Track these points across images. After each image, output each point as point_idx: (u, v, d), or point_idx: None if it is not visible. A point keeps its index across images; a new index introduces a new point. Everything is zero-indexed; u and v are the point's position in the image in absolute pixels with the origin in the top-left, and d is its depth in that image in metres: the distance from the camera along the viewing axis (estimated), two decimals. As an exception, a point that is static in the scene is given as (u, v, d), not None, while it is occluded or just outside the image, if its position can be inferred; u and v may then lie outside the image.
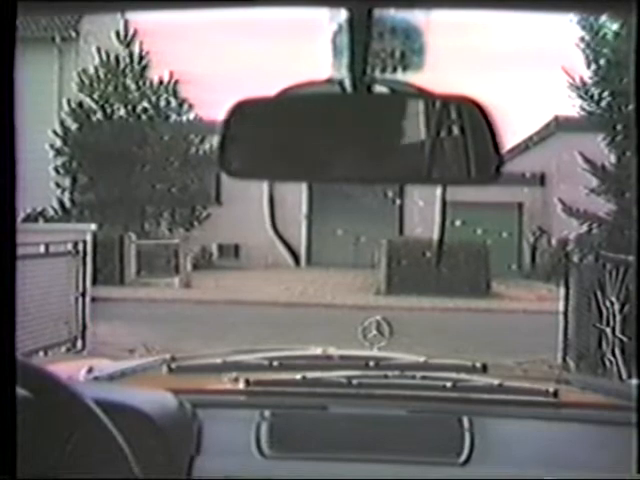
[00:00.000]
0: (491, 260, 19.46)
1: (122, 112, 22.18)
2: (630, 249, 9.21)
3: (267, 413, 2.12)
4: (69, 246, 10.30)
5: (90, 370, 2.37)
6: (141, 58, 22.41)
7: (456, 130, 1.41)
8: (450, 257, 19.27)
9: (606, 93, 19.02)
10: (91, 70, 22.14)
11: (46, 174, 20.60)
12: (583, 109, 20.24)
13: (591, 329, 9.09)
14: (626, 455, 0.47)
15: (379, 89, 1.41)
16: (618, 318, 8.45)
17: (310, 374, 2.27)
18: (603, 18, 17.87)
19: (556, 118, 23.34)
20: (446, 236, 21.35)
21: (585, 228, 20.06)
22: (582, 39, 19.67)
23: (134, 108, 22.21)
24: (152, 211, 21.97)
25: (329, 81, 1.36)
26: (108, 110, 22.15)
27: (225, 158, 1.34)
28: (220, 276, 20.14)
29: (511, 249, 23.26)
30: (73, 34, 22.53)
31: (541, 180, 23.96)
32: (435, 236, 20.82)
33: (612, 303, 8.61)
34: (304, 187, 22.28)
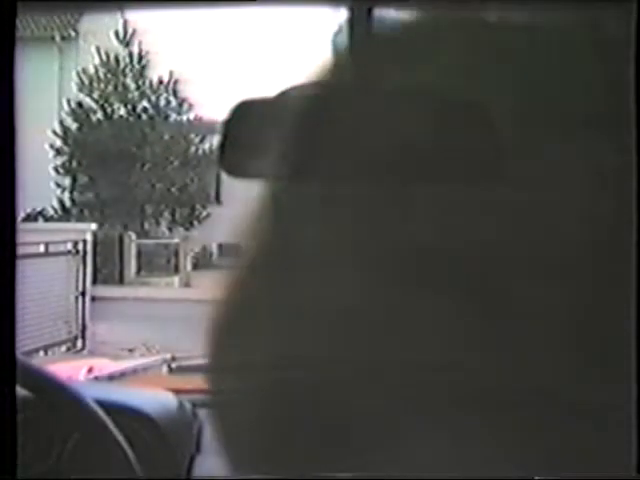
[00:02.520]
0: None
1: (122, 112, 22.19)
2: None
3: (267, 413, 2.12)
4: (69, 245, 10.30)
5: (90, 370, 2.37)
6: (141, 57, 22.41)
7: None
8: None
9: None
10: (91, 69, 22.15)
11: (46, 174, 20.61)
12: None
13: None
14: (626, 455, 0.47)
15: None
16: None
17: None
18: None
19: (556, 118, 23.35)
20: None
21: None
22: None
23: (134, 108, 22.22)
24: (152, 210, 21.98)
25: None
26: (108, 110, 22.16)
27: (225, 158, 1.34)
28: (220, 276, 20.12)
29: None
30: (73, 33, 22.53)
31: (541, 180, 23.98)
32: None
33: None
34: (304, 187, 22.22)
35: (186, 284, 19.17)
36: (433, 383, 0.48)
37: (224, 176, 1.45)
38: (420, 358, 0.48)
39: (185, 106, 22.39)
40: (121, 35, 22.25)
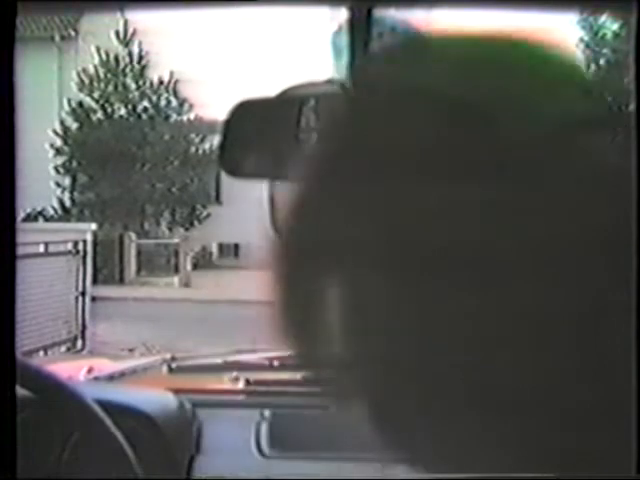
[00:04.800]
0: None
1: (122, 111, 22.19)
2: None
3: (267, 413, 2.12)
4: (69, 245, 10.30)
5: (90, 370, 2.37)
6: (141, 57, 22.42)
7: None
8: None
9: (606, 94, 19.02)
10: (91, 69, 22.14)
11: (46, 174, 20.61)
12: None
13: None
14: (626, 455, 0.47)
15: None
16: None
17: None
18: (603, 18, 17.87)
19: (556, 118, 23.34)
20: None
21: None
22: (582, 39, 19.68)
23: (134, 108, 22.22)
24: (152, 210, 21.98)
25: (329, 81, 1.36)
26: (108, 109, 22.16)
27: (225, 158, 1.34)
28: (220, 275, 20.14)
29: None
30: (73, 33, 22.53)
31: (541, 180, 23.97)
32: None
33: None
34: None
35: (186, 284, 19.17)
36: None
37: (224, 176, 1.46)
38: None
39: (185, 106, 22.39)
40: (121, 35, 22.25)
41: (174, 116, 22.48)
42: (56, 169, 21.88)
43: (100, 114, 22.09)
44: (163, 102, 22.37)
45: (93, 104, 22.09)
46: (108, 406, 1.59)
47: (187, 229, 22.06)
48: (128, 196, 21.29)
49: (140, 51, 22.37)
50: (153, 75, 22.41)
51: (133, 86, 22.32)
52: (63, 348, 9.92)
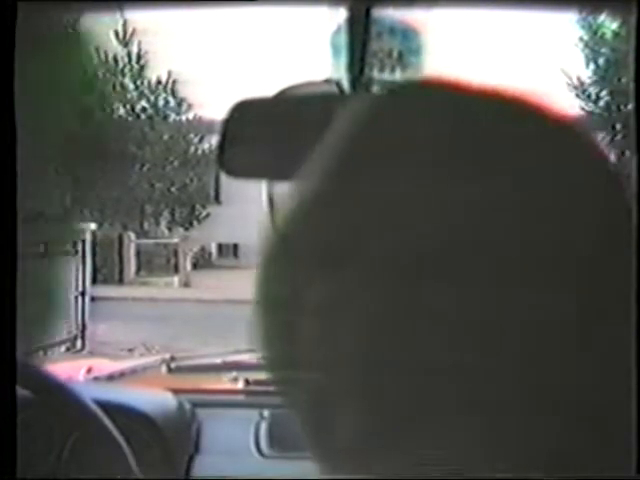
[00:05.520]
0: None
1: (121, 111, 22.19)
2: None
3: (266, 413, 2.12)
4: (68, 245, 10.30)
5: (90, 370, 2.37)
6: (139, 57, 22.41)
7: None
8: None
9: (605, 93, 19.05)
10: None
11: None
12: (582, 109, 20.26)
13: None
14: (626, 455, 0.47)
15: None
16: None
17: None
18: (603, 18, 17.87)
19: (555, 118, 23.30)
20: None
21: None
22: (581, 39, 19.68)
23: (133, 107, 22.22)
24: (151, 210, 21.97)
25: (328, 81, 1.36)
26: (107, 109, 22.16)
27: (225, 158, 1.34)
28: (219, 275, 20.13)
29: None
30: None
31: (540, 179, 23.95)
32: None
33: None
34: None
35: (185, 284, 19.17)
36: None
37: (223, 176, 1.45)
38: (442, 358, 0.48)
39: (184, 106, 22.39)
40: (120, 35, 22.24)
41: (173, 116, 22.48)
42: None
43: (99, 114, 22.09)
44: (162, 102, 22.36)
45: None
46: (107, 406, 1.59)
47: (186, 229, 22.05)
48: (127, 196, 21.28)
49: (139, 51, 22.36)
50: (152, 75, 22.41)
51: (132, 86, 22.32)
52: (63, 348, 9.92)
